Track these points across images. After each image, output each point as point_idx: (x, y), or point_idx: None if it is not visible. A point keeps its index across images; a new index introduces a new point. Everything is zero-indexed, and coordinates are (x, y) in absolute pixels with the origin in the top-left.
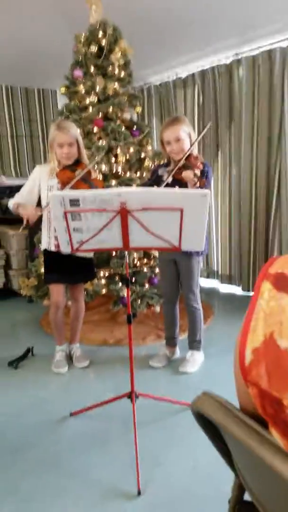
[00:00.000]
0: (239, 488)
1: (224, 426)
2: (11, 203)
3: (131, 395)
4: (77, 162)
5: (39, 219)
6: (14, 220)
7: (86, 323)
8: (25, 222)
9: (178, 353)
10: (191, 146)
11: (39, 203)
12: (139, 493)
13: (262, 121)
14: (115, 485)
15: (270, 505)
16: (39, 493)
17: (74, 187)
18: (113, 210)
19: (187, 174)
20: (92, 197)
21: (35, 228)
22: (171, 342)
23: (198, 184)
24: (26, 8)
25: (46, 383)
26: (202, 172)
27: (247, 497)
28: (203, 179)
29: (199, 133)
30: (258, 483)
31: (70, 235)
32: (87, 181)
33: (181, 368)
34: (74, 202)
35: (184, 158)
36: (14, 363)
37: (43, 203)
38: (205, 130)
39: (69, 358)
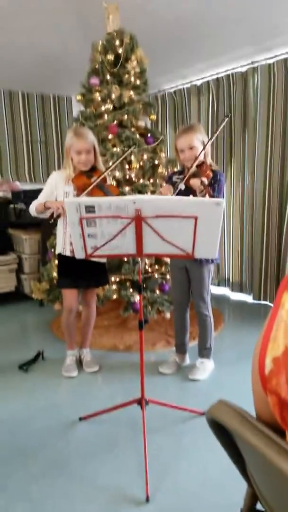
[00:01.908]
0: (252, 498)
1: (240, 435)
2: (33, 206)
3: (141, 402)
4: (93, 169)
5: (49, 222)
6: (27, 224)
7: (96, 328)
8: (55, 213)
9: (188, 360)
10: (206, 144)
11: None
12: (147, 499)
13: (277, 130)
14: (124, 491)
15: None
16: (49, 497)
17: (90, 194)
18: (127, 217)
19: (194, 182)
20: (108, 204)
21: (50, 228)
22: (181, 349)
23: (204, 192)
24: (44, 16)
25: (56, 387)
26: (212, 180)
27: (259, 506)
28: (208, 188)
29: (213, 134)
30: (274, 493)
31: (84, 241)
32: (102, 188)
33: (190, 376)
34: (90, 209)
35: (194, 165)
36: (25, 367)
37: None
38: (224, 122)
39: (79, 362)
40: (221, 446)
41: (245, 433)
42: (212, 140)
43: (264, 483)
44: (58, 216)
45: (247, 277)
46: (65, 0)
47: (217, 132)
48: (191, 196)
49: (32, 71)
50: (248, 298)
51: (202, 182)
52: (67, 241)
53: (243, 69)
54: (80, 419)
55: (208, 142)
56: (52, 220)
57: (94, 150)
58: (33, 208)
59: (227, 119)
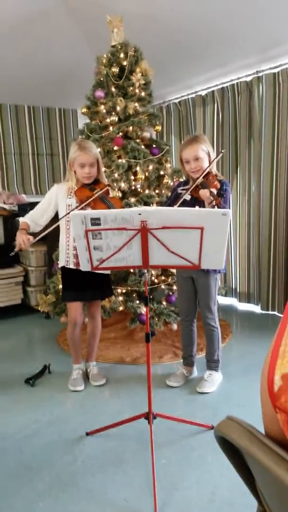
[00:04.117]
0: None
1: (250, 453)
2: (22, 221)
3: (148, 416)
4: (96, 182)
5: (55, 234)
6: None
7: (102, 341)
8: (17, 248)
9: (195, 372)
10: (208, 167)
11: (55, 219)
12: None
13: (282, 139)
14: (132, 506)
15: None
16: None
17: (92, 206)
18: (133, 228)
19: (203, 193)
20: (113, 215)
21: (56, 241)
22: (188, 361)
23: (214, 203)
24: (49, 31)
25: (62, 401)
26: (220, 190)
27: None
28: (219, 198)
29: (216, 155)
30: None
31: (90, 253)
32: (104, 200)
33: (198, 388)
34: (95, 221)
35: (201, 176)
36: (31, 381)
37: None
38: (218, 157)
39: (86, 375)
40: (230, 463)
41: (255, 451)
42: (210, 166)
43: (275, 503)
44: (20, 250)
45: (254, 287)
46: (71, 15)
47: (213, 161)
48: (196, 207)
49: (38, 85)
50: (256, 309)
51: (211, 193)
52: (70, 253)
53: (248, 79)
54: (87, 434)
55: (206, 168)
56: (20, 251)
57: (98, 164)
58: (20, 223)
59: (221, 154)
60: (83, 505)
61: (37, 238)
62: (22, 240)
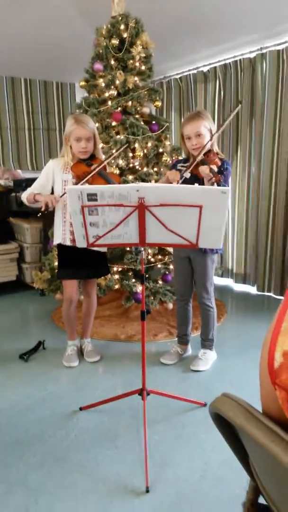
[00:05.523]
0: (255, 491)
1: (244, 429)
2: (25, 195)
3: (142, 392)
4: (92, 157)
5: (51, 211)
6: (29, 213)
7: (97, 318)
8: (43, 207)
9: (190, 351)
10: (215, 133)
11: None
12: (147, 490)
13: (285, 118)
14: (124, 481)
15: None
16: (47, 486)
17: (90, 182)
18: (130, 205)
19: (203, 169)
20: (110, 191)
21: (52, 217)
22: (183, 339)
23: (213, 180)
24: (47, 1)
25: (56, 377)
26: (221, 168)
27: (261, 500)
28: (219, 175)
29: (224, 122)
30: (278, 488)
31: (86, 230)
32: (103, 176)
33: (192, 366)
34: (92, 197)
35: (202, 153)
36: (25, 356)
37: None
38: (236, 110)
39: (80, 352)
40: (224, 439)
41: (250, 428)
42: (222, 129)
43: (268, 478)
44: (47, 209)
45: (251, 268)
46: None
47: (228, 120)
48: (196, 185)
49: (35, 57)
50: (252, 290)
51: (211, 170)
52: (67, 230)
53: (252, 55)
54: (81, 409)
55: (218, 131)
56: (46, 212)
57: (94, 138)
58: (25, 198)
59: (240, 106)
60: (75, 478)
61: (62, 197)
62: (49, 199)
